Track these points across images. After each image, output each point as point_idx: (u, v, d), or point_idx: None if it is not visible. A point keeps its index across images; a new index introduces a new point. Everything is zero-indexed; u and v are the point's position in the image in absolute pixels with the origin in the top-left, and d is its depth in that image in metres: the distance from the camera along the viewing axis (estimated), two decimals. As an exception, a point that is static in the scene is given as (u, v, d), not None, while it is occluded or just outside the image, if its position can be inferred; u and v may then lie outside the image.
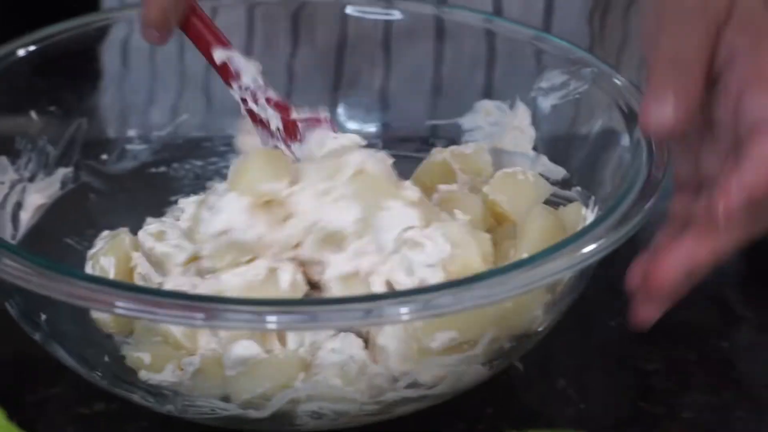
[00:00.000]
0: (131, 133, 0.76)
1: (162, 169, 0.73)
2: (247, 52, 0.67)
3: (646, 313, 0.54)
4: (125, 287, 0.53)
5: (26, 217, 0.65)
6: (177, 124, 0.77)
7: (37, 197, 0.66)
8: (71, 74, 0.69)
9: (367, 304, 0.49)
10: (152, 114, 0.82)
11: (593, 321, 0.65)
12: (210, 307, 0.48)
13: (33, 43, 0.67)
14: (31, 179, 0.67)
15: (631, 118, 0.62)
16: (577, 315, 0.61)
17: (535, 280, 0.50)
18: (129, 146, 0.74)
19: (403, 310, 0.48)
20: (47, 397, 0.60)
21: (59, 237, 0.66)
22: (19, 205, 0.65)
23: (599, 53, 0.75)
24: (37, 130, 0.67)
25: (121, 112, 0.80)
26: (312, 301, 0.56)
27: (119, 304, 0.48)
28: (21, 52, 0.66)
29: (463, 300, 0.49)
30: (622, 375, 0.63)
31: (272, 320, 0.48)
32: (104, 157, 0.72)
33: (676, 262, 0.52)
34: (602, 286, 0.60)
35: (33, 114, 0.67)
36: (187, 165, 0.74)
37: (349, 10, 0.75)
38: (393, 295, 0.54)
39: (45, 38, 0.67)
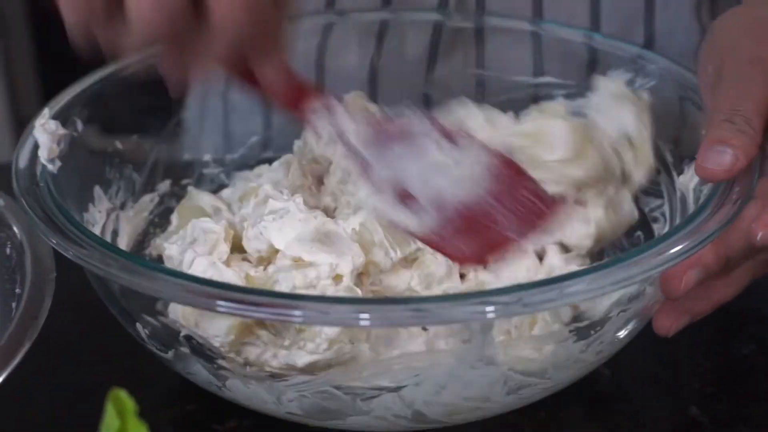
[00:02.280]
0: (206, 157, 0.77)
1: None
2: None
3: (667, 321, 0.57)
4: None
5: (123, 243, 0.66)
6: (249, 146, 0.79)
7: (129, 224, 0.68)
8: (155, 99, 0.70)
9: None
10: (226, 136, 0.83)
11: (725, 349, 0.66)
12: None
13: (116, 70, 0.68)
14: (122, 207, 0.68)
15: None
16: (710, 341, 0.64)
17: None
18: (206, 170, 0.76)
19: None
20: (184, 414, 0.62)
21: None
22: (116, 233, 0.66)
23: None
24: (124, 158, 0.69)
25: (197, 135, 0.81)
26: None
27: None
28: (106, 79, 0.68)
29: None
30: (755, 403, 0.63)
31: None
32: (185, 181, 0.73)
33: (685, 265, 0.53)
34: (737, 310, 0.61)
35: (118, 143, 0.69)
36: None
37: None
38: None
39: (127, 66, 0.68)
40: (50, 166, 0.59)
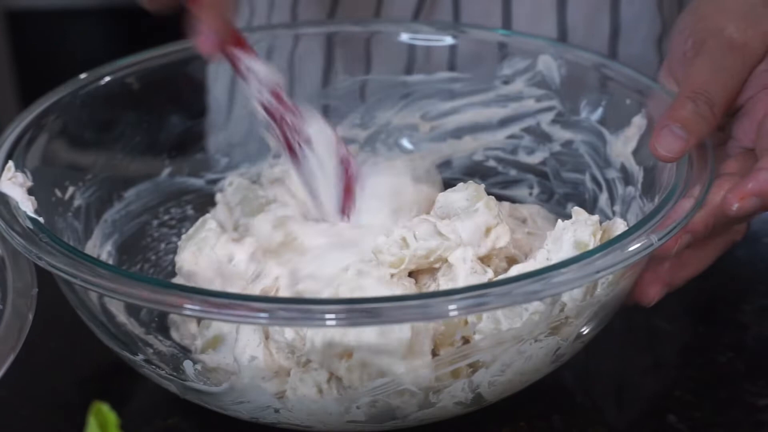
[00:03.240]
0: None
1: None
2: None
3: (650, 289, 0.59)
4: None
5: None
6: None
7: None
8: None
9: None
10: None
11: (702, 357, 0.67)
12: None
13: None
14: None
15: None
16: (688, 349, 0.64)
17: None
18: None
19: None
20: (166, 428, 0.61)
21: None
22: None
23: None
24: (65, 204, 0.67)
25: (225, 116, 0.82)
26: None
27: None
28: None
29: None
30: (733, 411, 0.63)
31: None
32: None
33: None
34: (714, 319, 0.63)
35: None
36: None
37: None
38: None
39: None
40: (40, 218, 0.58)
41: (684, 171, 0.58)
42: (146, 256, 0.71)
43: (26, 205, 0.58)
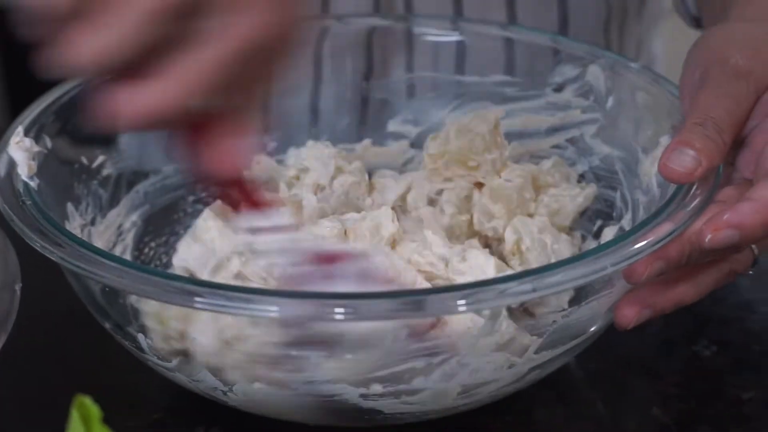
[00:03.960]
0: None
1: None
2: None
3: (628, 311, 0.57)
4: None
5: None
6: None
7: (100, 240, 0.68)
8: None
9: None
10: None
11: (687, 350, 0.67)
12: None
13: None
14: (93, 223, 0.68)
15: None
16: (672, 343, 0.64)
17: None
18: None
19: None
20: (150, 422, 0.62)
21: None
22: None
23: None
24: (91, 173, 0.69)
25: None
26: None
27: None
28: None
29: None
30: (716, 404, 0.63)
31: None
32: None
33: (651, 256, 0.54)
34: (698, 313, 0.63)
35: (84, 158, 0.68)
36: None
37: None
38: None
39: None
40: (32, 183, 0.60)
41: (682, 195, 0.57)
42: (174, 229, 0.72)
43: (23, 168, 0.60)
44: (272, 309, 0.50)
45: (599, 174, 0.73)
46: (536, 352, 0.57)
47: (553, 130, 0.75)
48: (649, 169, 0.67)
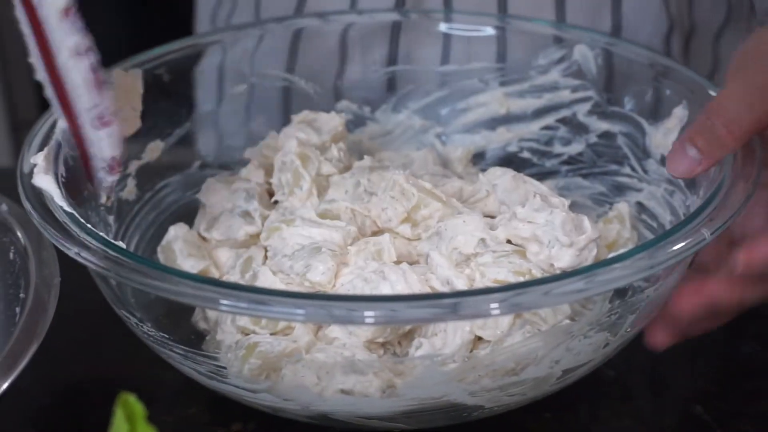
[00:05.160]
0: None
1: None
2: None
3: (661, 337, 0.57)
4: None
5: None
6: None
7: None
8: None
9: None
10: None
11: (728, 348, 0.67)
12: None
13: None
14: None
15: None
16: (714, 341, 0.64)
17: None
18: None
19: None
20: (186, 417, 0.61)
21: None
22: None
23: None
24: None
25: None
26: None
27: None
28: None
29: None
30: (759, 402, 0.63)
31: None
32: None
33: (697, 297, 0.55)
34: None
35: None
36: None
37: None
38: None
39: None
40: (68, 207, 0.56)
41: (731, 162, 0.57)
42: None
43: (59, 198, 0.55)
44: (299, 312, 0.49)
45: (599, 150, 0.72)
46: (628, 329, 0.56)
47: (542, 112, 0.74)
48: (662, 140, 0.67)
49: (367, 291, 0.57)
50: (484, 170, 0.73)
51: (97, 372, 0.64)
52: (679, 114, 0.65)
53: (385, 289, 0.56)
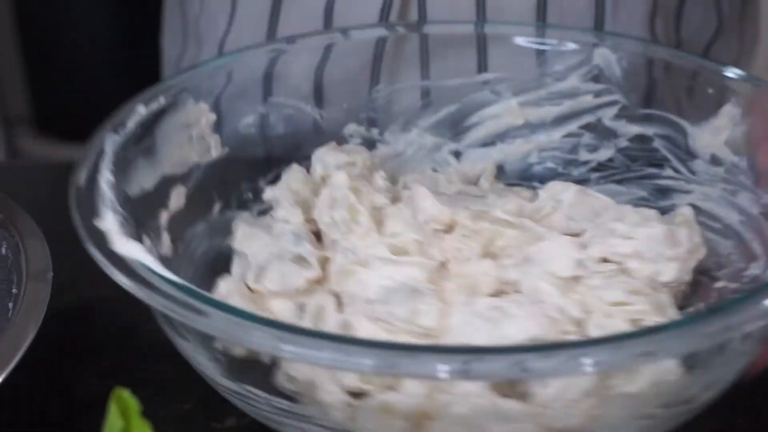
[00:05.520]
0: None
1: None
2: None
3: None
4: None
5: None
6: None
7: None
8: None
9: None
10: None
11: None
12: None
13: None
14: None
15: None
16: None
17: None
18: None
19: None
20: (181, 413, 0.60)
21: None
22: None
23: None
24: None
25: None
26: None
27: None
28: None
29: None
30: None
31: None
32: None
33: None
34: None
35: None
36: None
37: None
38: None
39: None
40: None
41: None
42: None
43: (148, 259, 0.50)
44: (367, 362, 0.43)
45: (632, 155, 0.70)
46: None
47: (562, 120, 0.72)
48: (711, 140, 0.65)
49: (489, 330, 0.53)
50: (510, 185, 0.71)
51: (91, 367, 0.62)
52: (729, 112, 0.64)
53: (511, 326, 0.53)
